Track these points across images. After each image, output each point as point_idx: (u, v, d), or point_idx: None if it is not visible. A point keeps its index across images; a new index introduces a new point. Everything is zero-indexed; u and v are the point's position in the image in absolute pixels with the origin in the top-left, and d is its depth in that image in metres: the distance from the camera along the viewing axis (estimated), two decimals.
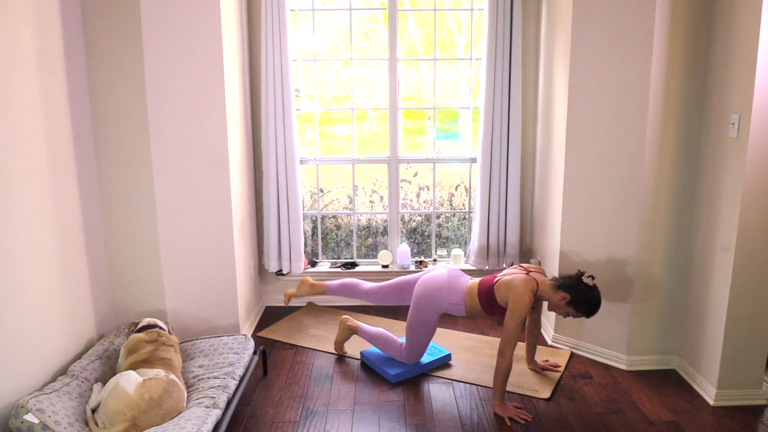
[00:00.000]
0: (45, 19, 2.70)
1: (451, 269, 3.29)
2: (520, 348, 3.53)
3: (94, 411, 2.53)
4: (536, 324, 3.34)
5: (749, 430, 2.83)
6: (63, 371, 2.73)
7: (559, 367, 3.39)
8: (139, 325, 2.93)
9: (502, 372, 2.93)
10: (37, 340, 2.58)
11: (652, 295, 3.33)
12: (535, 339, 3.37)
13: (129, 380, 2.51)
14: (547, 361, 3.43)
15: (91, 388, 2.65)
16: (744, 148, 2.77)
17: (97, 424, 2.44)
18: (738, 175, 2.82)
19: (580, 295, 2.94)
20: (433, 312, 3.20)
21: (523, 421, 2.89)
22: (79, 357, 2.87)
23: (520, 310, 2.91)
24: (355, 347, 3.64)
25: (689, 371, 3.28)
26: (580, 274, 3.01)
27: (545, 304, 3.17)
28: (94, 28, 3.05)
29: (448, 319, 4.09)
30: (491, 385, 3.14)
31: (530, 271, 3.09)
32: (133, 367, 2.69)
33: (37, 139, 2.63)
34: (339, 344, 3.59)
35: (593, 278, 2.99)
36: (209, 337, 3.19)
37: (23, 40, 2.53)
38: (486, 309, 3.12)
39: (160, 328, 2.95)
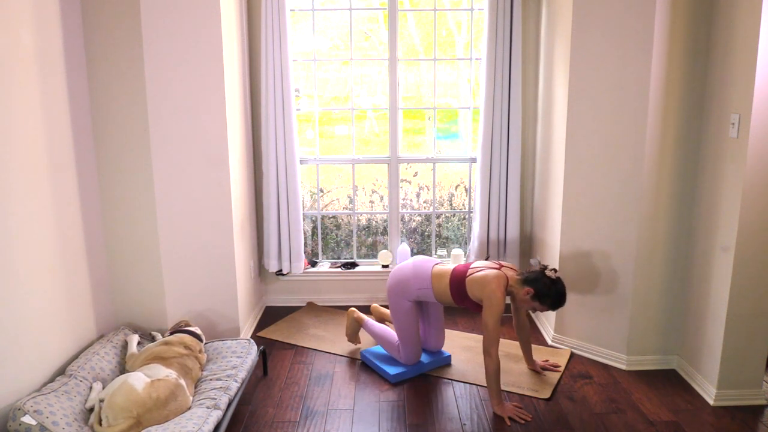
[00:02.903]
0: (45, 19, 2.70)
1: (417, 259, 3.34)
2: (518, 348, 3.53)
3: (91, 410, 2.53)
4: (523, 324, 3.34)
5: (749, 430, 2.83)
6: (63, 371, 2.73)
7: (559, 367, 3.39)
8: (185, 327, 3.07)
9: (492, 371, 2.94)
10: (37, 340, 2.58)
11: (652, 294, 3.33)
12: (527, 339, 3.37)
13: (138, 378, 2.54)
14: (547, 361, 3.42)
15: (90, 387, 2.65)
16: (744, 148, 2.77)
17: (100, 421, 2.44)
18: (738, 175, 2.82)
19: (543, 288, 3.00)
20: (405, 300, 3.25)
21: (523, 421, 2.89)
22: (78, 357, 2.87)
23: (495, 306, 2.95)
24: (354, 347, 3.64)
25: (689, 371, 3.28)
26: (544, 267, 3.08)
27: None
28: (94, 28, 3.04)
29: (448, 319, 4.08)
30: None
31: (502, 266, 3.13)
32: (153, 356, 2.76)
33: (37, 139, 2.63)
34: (350, 336, 3.62)
35: (556, 271, 3.07)
36: (213, 341, 3.20)
37: (23, 40, 2.53)
38: (456, 299, 3.16)
39: (198, 337, 3.03)
